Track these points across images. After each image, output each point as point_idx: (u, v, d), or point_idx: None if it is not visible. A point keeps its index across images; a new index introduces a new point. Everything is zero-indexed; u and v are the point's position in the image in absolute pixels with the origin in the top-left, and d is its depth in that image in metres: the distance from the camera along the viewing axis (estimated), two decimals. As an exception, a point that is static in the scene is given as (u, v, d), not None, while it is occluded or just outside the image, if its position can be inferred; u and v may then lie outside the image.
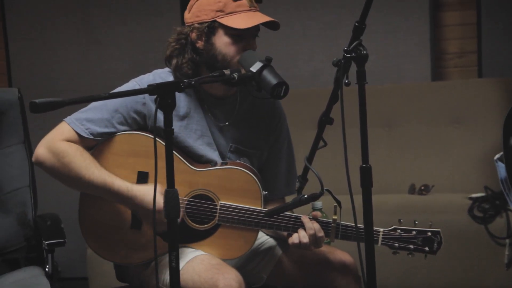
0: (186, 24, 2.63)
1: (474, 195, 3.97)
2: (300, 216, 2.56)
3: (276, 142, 2.78)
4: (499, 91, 4.42)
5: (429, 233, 2.59)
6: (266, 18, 2.55)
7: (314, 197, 2.37)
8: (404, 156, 4.47)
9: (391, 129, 4.53)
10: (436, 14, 4.77)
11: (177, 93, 2.26)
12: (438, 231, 2.59)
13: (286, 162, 2.80)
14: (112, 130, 2.59)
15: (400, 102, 4.56)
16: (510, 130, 3.15)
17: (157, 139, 2.20)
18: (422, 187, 4.24)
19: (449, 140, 4.42)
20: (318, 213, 2.59)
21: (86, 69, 5.08)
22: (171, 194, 2.15)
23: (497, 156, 3.16)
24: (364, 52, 2.18)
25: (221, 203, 2.57)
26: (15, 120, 3.28)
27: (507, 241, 3.78)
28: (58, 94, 4.83)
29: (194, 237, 2.59)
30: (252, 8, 2.57)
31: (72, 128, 2.57)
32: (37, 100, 1.96)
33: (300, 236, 2.53)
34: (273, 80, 2.42)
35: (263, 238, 2.76)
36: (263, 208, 2.57)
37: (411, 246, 2.57)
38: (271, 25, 2.58)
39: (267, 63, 2.46)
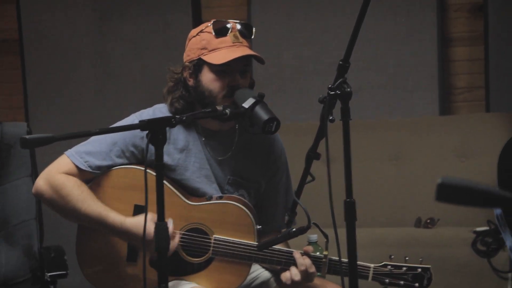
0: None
1: (478, 229, 3.99)
2: (292, 251, 2.62)
3: (275, 175, 2.84)
4: (506, 125, 4.45)
5: (419, 270, 2.63)
6: (246, 52, 2.62)
7: (302, 230, 2.43)
8: (411, 189, 4.50)
9: (398, 162, 4.57)
10: (445, 49, 4.83)
11: (175, 127, 2.34)
12: (428, 268, 2.63)
13: (285, 195, 2.86)
14: (110, 163, 2.67)
15: (408, 135, 4.60)
16: (504, 166, 3.20)
17: (154, 173, 2.27)
18: (428, 221, 4.27)
19: (455, 174, 4.45)
20: (310, 248, 2.64)
21: (101, 103, 5.18)
22: (161, 227, 2.23)
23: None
24: (348, 89, 2.24)
25: (215, 237, 2.64)
26: (24, 153, 3.37)
27: (510, 275, 3.79)
28: (74, 127, 4.93)
29: (188, 270, 2.65)
30: (236, 43, 2.64)
31: (71, 161, 2.66)
32: (27, 136, 2.06)
33: (292, 275, 2.59)
34: (264, 116, 2.50)
35: (258, 272, 2.82)
36: (258, 241, 2.63)
37: (401, 282, 2.62)
38: (259, 59, 2.65)
39: (259, 99, 2.54)
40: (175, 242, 2.58)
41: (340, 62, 2.26)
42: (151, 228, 2.33)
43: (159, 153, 2.24)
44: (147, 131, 2.24)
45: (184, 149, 2.71)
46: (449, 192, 1.03)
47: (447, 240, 4.00)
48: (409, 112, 4.79)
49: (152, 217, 2.38)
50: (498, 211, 3.15)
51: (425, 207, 4.42)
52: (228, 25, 2.65)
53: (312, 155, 2.37)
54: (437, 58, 4.76)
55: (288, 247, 2.77)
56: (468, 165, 4.45)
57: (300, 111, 4.85)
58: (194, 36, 2.69)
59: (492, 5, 4.72)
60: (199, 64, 2.66)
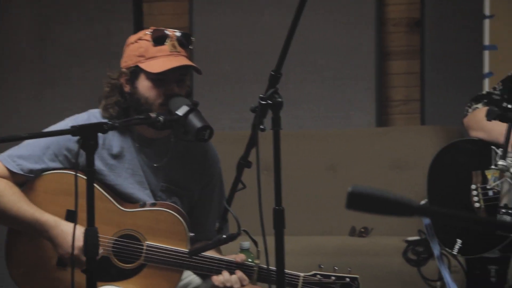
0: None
1: (409, 238, 4.08)
2: (224, 258, 2.66)
3: (208, 184, 2.87)
4: (440, 138, 4.55)
5: (348, 279, 2.68)
6: (183, 62, 2.65)
7: (232, 237, 2.47)
8: (347, 200, 4.56)
9: (335, 172, 4.64)
10: (382, 62, 4.92)
11: (110, 132, 2.36)
12: (356, 277, 2.69)
13: (218, 203, 2.89)
14: (43, 166, 2.68)
15: (345, 146, 4.67)
16: (434, 177, 3.28)
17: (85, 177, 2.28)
18: (362, 230, 4.34)
19: (390, 185, 4.53)
20: (243, 257, 2.68)
21: (39, 108, 5.15)
22: (90, 233, 2.24)
23: (422, 202, 3.28)
24: (279, 99, 2.29)
25: (147, 243, 2.66)
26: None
27: (439, 283, 3.88)
28: (11, 132, 4.88)
29: (119, 276, 2.67)
30: (174, 52, 2.67)
31: (3, 165, 2.66)
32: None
33: (224, 280, 2.63)
34: (197, 124, 2.53)
35: (189, 278, 2.84)
36: (189, 249, 2.66)
37: None
38: (196, 69, 2.69)
39: (193, 107, 2.58)
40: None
41: (272, 73, 2.31)
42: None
43: (90, 159, 2.25)
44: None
45: (118, 155, 2.73)
46: (358, 201, 1.07)
47: (379, 249, 4.07)
48: (346, 123, 4.87)
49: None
50: (426, 221, 3.23)
51: (359, 216, 4.49)
52: (167, 34, 2.67)
53: (243, 163, 2.41)
54: (375, 71, 4.85)
55: (221, 253, 2.80)
56: (403, 176, 4.54)
57: (238, 120, 4.89)
58: (132, 43, 2.71)
59: (428, 21, 4.83)
60: (136, 71, 2.68)
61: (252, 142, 2.38)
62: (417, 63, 4.88)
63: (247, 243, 2.86)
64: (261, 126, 2.29)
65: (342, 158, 4.65)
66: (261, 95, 2.29)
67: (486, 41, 4.39)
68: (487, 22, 4.40)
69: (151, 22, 4.97)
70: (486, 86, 4.37)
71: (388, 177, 4.55)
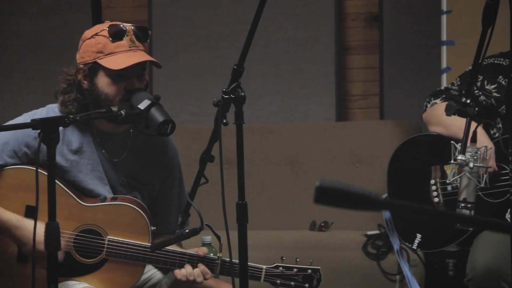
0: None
1: (369, 233, 4.11)
2: (187, 252, 2.65)
3: (168, 178, 2.86)
4: (399, 132, 4.58)
5: (309, 271, 2.70)
6: (144, 58, 2.63)
7: (195, 232, 2.46)
8: (307, 193, 4.58)
9: (295, 167, 4.65)
10: (342, 57, 4.94)
11: (70, 127, 2.33)
12: (318, 269, 2.71)
13: (177, 197, 2.88)
14: (1, 163, 2.64)
15: (305, 140, 4.68)
16: (394, 172, 3.31)
17: (46, 172, 2.26)
18: (322, 224, 4.36)
19: (350, 179, 4.55)
20: (204, 250, 2.67)
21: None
22: (51, 227, 2.22)
23: (383, 196, 3.29)
24: (242, 94, 2.29)
25: (109, 238, 2.64)
26: None
27: (398, 277, 3.91)
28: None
29: (80, 271, 2.65)
30: (133, 48, 2.65)
31: None
32: None
33: (187, 273, 2.63)
34: (160, 118, 2.52)
35: (151, 272, 2.83)
36: (152, 243, 2.65)
37: (292, 283, 2.68)
38: (156, 63, 2.67)
39: (155, 101, 2.56)
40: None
41: (235, 67, 2.31)
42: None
43: (51, 153, 2.23)
44: (39, 131, 2.23)
45: (78, 151, 2.70)
46: (326, 195, 1.07)
47: (339, 243, 4.09)
48: (306, 117, 4.88)
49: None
50: (387, 216, 3.26)
51: (319, 210, 4.51)
52: (124, 29, 2.65)
53: (206, 158, 2.41)
54: (334, 65, 4.87)
55: (182, 248, 2.79)
56: (362, 170, 4.57)
57: (198, 114, 4.88)
58: (88, 38, 2.67)
59: (387, 16, 4.87)
60: (94, 68, 2.65)
61: (215, 136, 2.38)
62: (376, 58, 4.90)
63: (208, 238, 2.87)
64: (224, 120, 2.29)
65: (302, 152, 4.66)
66: (224, 89, 2.29)
67: (444, 37, 4.43)
68: (444, 18, 4.43)
69: (110, 15, 4.93)
70: (444, 81, 4.41)
71: (348, 171, 4.58)
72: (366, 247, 4.01)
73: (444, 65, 4.43)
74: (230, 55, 4.82)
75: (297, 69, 4.89)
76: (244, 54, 2.30)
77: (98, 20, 5.00)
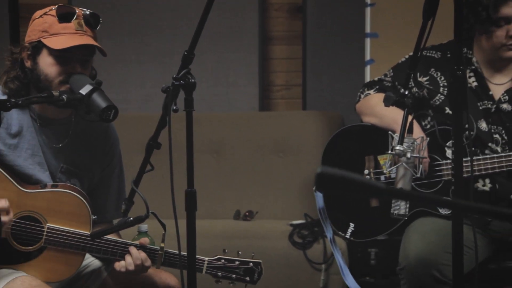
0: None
1: (295, 222, 4.14)
2: (128, 242, 2.61)
3: (109, 165, 2.81)
4: (321, 123, 4.63)
5: (251, 264, 2.70)
6: (88, 42, 2.58)
7: (139, 220, 2.43)
8: (231, 183, 4.59)
9: (219, 156, 4.64)
10: (265, 47, 4.95)
11: (10, 111, 2.26)
12: (259, 262, 2.71)
13: (117, 185, 2.84)
14: None
15: (229, 130, 4.68)
16: (328, 161, 3.34)
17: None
18: (247, 213, 4.37)
19: (273, 169, 4.58)
20: (146, 240, 2.64)
21: None
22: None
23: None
24: (192, 80, 2.27)
25: (48, 225, 2.57)
26: None
27: (323, 266, 3.96)
28: None
29: (17, 259, 2.57)
30: (80, 31, 2.59)
31: None
32: None
33: (126, 264, 2.58)
34: (102, 104, 2.47)
35: (88, 260, 2.77)
36: (92, 231, 2.60)
37: (233, 276, 2.67)
38: (101, 51, 2.62)
39: (97, 86, 2.51)
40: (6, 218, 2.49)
41: (185, 53, 2.28)
42: None
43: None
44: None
45: (17, 135, 2.63)
46: (328, 182, 1.07)
47: (265, 232, 4.11)
48: (230, 107, 4.88)
49: None
50: (320, 204, 3.28)
51: (244, 200, 4.52)
52: (74, 12, 2.60)
53: (153, 145, 2.37)
54: (258, 55, 4.87)
55: (120, 237, 2.75)
56: (286, 160, 4.60)
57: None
58: (37, 18, 2.63)
59: (310, 7, 4.90)
60: (38, 47, 2.59)
61: (163, 123, 2.34)
62: (299, 48, 4.94)
63: (145, 226, 2.82)
64: (174, 107, 2.26)
65: (225, 141, 4.66)
66: (174, 76, 2.26)
67: (368, 29, 4.49)
68: (368, 10, 4.50)
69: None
70: (368, 73, 4.47)
71: (271, 160, 4.60)
72: (292, 236, 4.04)
73: (367, 57, 4.49)
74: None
75: (221, 59, 4.88)
76: (195, 41, 2.29)
77: (14, 4, 4.86)
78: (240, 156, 4.62)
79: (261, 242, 3.99)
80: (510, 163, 3.06)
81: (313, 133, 4.62)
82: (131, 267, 2.57)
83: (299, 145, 4.61)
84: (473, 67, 3.17)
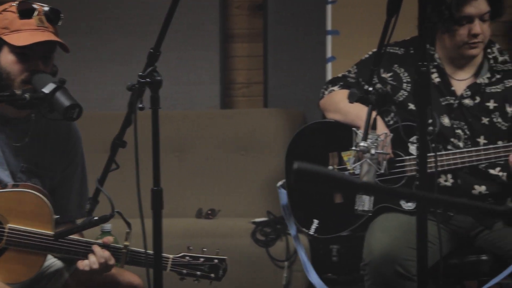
0: None
1: (257, 220, 4.14)
2: (91, 241, 2.58)
3: (70, 164, 2.78)
4: (282, 121, 4.64)
5: (216, 261, 2.69)
6: (50, 38, 2.55)
7: (105, 219, 2.40)
8: (193, 181, 4.58)
9: (181, 154, 4.62)
10: (226, 45, 4.94)
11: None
12: (224, 259, 2.70)
13: (79, 184, 2.81)
14: None
15: (191, 128, 4.66)
16: (292, 158, 3.34)
17: None
18: (209, 212, 4.36)
19: (235, 167, 4.58)
20: (110, 239, 2.61)
21: None
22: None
23: (279, 183, 3.33)
24: (159, 78, 2.26)
25: (9, 226, 2.53)
26: None
27: (286, 263, 3.96)
28: None
29: (-22, 260, 2.53)
30: (41, 27, 2.56)
31: None
32: None
33: (90, 263, 2.55)
34: (66, 102, 2.43)
35: (50, 261, 2.74)
36: (55, 231, 2.56)
37: (198, 273, 2.66)
38: (63, 47, 2.59)
39: (60, 85, 2.48)
40: None
41: (151, 50, 2.27)
42: None
43: None
44: None
45: None
46: (305, 177, 1.07)
47: (228, 230, 4.10)
48: (191, 105, 4.86)
49: None
50: (284, 201, 3.28)
51: (206, 198, 4.51)
52: (34, 8, 2.56)
53: (118, 143, 2.35)
54: (219, 53, 4.86)
55: (83, 237, 2.72)
56: (248, 158, 4.59)
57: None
58: None
59: (271, 4, 4.90)
60: None
61: (128, 122, 2.32)
62: (260, 46, 4.93)
63: (108, 225, 2.79)
64: (140, 105, 2.24)
65: (187, 139, 4.64)
66: (140, 73, 2.24)
67: (329, 26, 4.51)
68: (329, 7, 4.52)
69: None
70: (329, 70, 4.49)
71: (233, 158, 4.59)
72: (255, 234, 4.04)
73: (329, 54, 4.51)
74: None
75: (182, 57, 4.85)
76: (161, 38, 2.28)
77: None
78: (202, 154, 4.61)
79: (224, 240, 3.98)
80: (472, 159, 3.09)
81: (275, 131, 4.63)
82: (95, 266, 2.54)
83: (261, 143, 4.61)
84: (436, 63, 3.20)
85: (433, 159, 2.77)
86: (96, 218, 2.41)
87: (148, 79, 2.24)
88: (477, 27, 3.09)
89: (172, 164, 4.57)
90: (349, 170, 3.17)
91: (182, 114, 4.73)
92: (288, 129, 4.54)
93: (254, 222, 4.13)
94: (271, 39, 4.89)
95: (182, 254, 2.66)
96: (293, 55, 4.87)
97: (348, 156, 3.19)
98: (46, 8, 2.59)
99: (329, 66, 4.49)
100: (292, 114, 4.68)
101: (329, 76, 4.43)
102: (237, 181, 4.55)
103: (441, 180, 3.15)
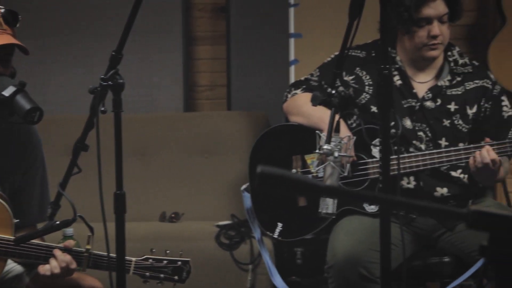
0: None
1: (221, 223, 4.13)
2: (52, 245, 2.55)
3: (31, 168, 2.74)
4: (246, 123, 4.63)
5: (179, 263, 2.68)
6: (9, 40, 2.51)
7: (67, 223, 2.38)
8: (156, 185, 4.55)
9: (144, 158, 4.60)
10: (189, 47, 4.93)
11: None
12: (188, 261, 2.69)
13: (40, 188, 2.77)
14: None
15: (154, 131, 4.64)
16: (256, 161, 3.34)
17: None
18: (173, 215, 4.34)
19: (199, 170, 4.56)
20: (71, 242, 2.59)
21: None
22: None
23: (243, 186, 3.32)
24: (121, 81, 2.24)
25: (-32, 230, 2.50)
26: None
27: (250, 266, 3.96)
28: None
29: None
30: None
31: None
32: None
33: (51, 267, 2.52)
34: (26, 105, 2.41)
35: (10, 266, 2.70)
36: (15, 236, 2.53)
37: (162, 275, 2.65)
38: (23, 49, 2.55)
39: (20, 88, 2.45)
40: None
41: (113, 53, 2.25)
42: None
43: None
44: None
45: None
46: (269, 180, 1.06)
47: (191, 233, 4.09)
48: (154, 107, 4.84)
49: None
50: (248, 205, 3.28)
51: (169, 202, 4.48)
52: None
53: (80, 146, 2.33)
54: (182, 56, 4.85)
55: (44, 241, 2.69)
56: (211, 161, 4.57)
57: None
58: None
59: (233, 7, 4.89)
60: None
61: (90, 125, 2.31)
62: (223, 48, 4.92)
63: (70, 230, 2.77)
64: (102, 108, 2.22)
65: (150, 143, 4.62)
66: (102, 76, 2.22)
67: (292, 29, 4.52)
68: (292, 10, 4.52)
69: None
70: (292, 73, 4.50)
71: (197, 162, 4.57)
72: (219, 237, 4.03)
73: (292, 57, 4.52)
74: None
75: (144, 59, 4.82)
76: (123, 41, 2.26)
77: None
78: (165, 157, 4.59)
79: (188, 243, 3.96)
80: (433, 161, 3.12)
81: (239, 134, 4.62)
82: (57, 270, 2.51)
83: (225, 146, 4.60)
84: (397, 66, 3.22)
85: (395, 162, 2.78)
86: (57, 222, 2.39)
87: (110, 82, 2.23)
88: (436, 28, 3.12)
89: (135, 167, 4.55)
90: (312, 173, 3.18)
91: (144, 117, 4.70)
92: (252, 132, 4.53)
93: (218, 226, 4.12)
94: (234, 41, 4.89)
95: (145, 256, 2.64)
96: (257, 58, 4.86)
97: (311, 159, 3.19)
98: (3, 10, 2.55)
99: (292, 69, 4.50)
100: (255, 117, 4.68)
101: (292, 79, 4.44)
102: (201, 184, 4.54)
103: (404, 182, 3.17)
